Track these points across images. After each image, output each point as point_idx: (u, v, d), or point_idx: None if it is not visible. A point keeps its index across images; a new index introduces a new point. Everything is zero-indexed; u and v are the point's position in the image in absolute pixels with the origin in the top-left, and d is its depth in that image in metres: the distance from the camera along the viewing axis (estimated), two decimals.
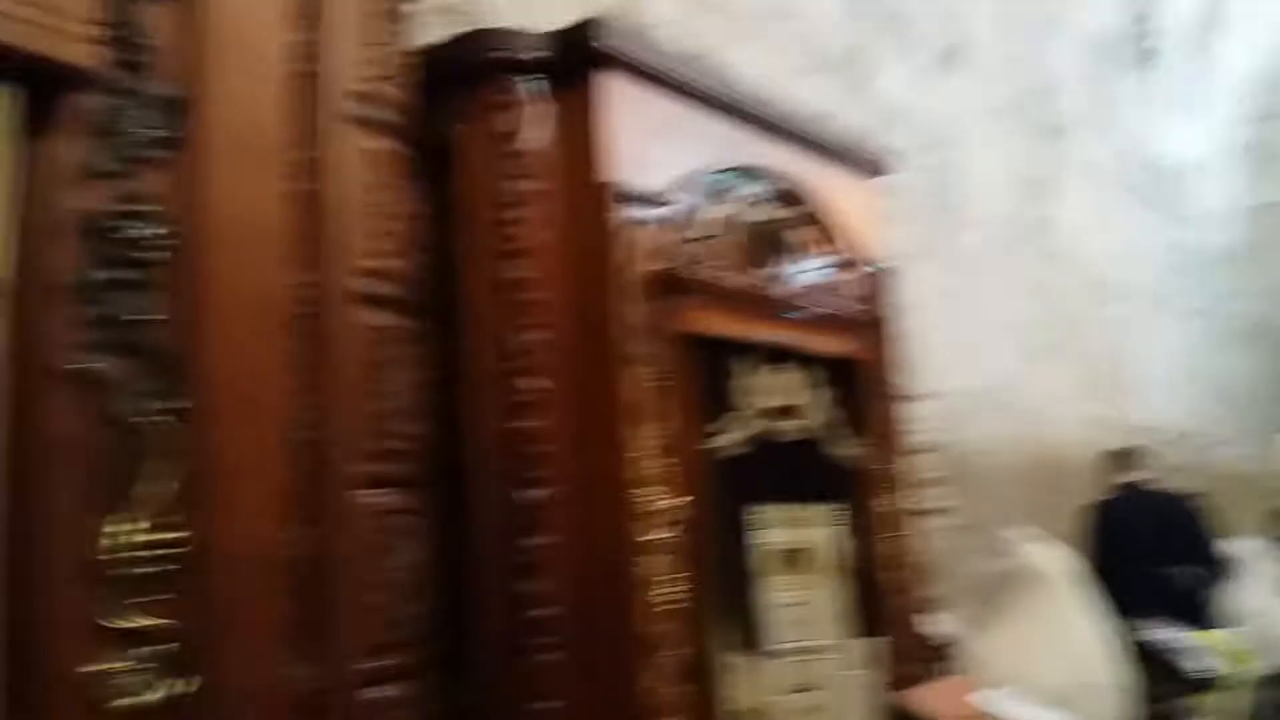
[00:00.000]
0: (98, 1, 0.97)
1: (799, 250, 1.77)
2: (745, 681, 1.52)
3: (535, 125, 1.48)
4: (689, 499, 1.46)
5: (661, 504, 1.42)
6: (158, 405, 0.98)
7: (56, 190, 0.94)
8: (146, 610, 0.95)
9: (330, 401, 1.14)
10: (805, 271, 1.78)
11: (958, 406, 3.04)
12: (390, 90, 1.25)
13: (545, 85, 1.49)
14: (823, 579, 1.70)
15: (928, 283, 2.69)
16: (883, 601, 1.78)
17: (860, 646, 1.73)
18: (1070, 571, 3.04)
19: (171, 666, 0.96)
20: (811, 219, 1.81)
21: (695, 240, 1.56)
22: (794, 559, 1.65)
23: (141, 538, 0.95)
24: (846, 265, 1.88)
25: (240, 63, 1.09)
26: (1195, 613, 3.40)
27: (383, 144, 1.23)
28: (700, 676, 1.45)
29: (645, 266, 1.47)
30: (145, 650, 0.95)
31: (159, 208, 1.00)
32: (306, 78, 1.15)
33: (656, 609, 1.39)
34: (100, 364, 0.95)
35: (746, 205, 1.69)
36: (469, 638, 1.38)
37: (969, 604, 2.61)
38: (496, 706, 1.37)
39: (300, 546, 1.08)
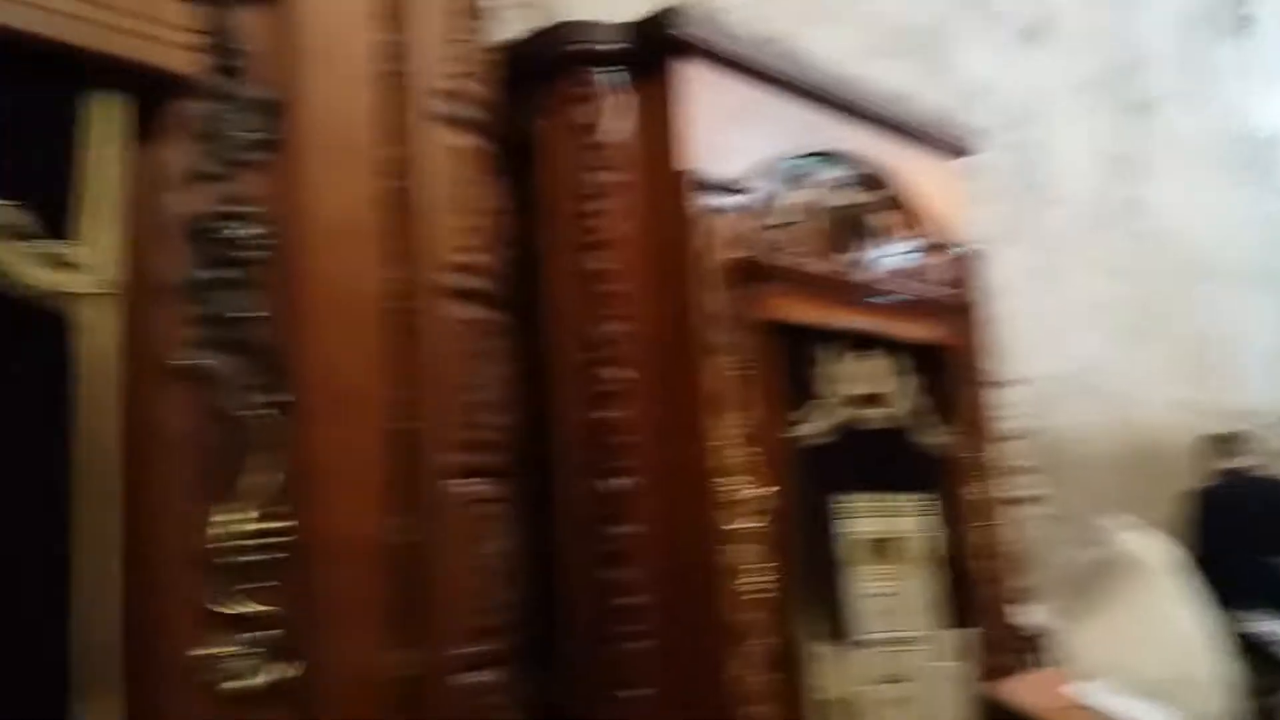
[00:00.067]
0: (197, 11, 1.00)
1: (882, 234, 1.75)
2: (833, 671, 1.51)
3: (614, 117, 1.48)
4: (774, 489, 1.45)
5: (746, 493, 1.42)
6: (261, 399, 1.01)
7: (164, 194, 0.98)
8: (253, 597, 0.98)
9: (422, 394, 1.16)
10: (889, 256, 1.75)
11: (1047, 392, 2.96)
12: (474, 87, 1.26)
13: (624, 76, 1.49)
14: (912, 569, 1.67)
15: (1014, 265, 2.62)
16: (974, 592, 1.75)
17: (951, 637, 1.70)
18: (1169, 561, 2.94)
19: (277, 651, 0.99)
20: (894, 202, 1.78)
21: (776, 227, 1.55)
22: (883, 549, 1.63)
23: (249, 527, 0.99)
24: (931, 249, 1.84)
25: (331, 65, 1.12)
26: None
27: (468, 141, 1.24)
28: (788, 665, 1.44)
29: (725, 254, 1.46)
30: (252, 635, 0.98)
31: (259, 209, 1.03)
32: (394, 77, 1.17)
33: (743, 598, 1.39)
34: (207, 360, 0.98)
35: (827, 190, 1.67)
36: (557, 626, 1.39)
37: (1062, 594, 2.54)
38: (585, 693, 1.38)
39: (397, 535, 1.10)
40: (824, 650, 1.51)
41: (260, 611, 0.99)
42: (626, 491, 1.40)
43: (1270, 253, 4.72)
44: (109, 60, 0.95)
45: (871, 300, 1.68)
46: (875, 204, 1.74)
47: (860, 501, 1.62)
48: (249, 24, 1.06)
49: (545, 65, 1.49)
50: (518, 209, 1.44)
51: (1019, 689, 1.72)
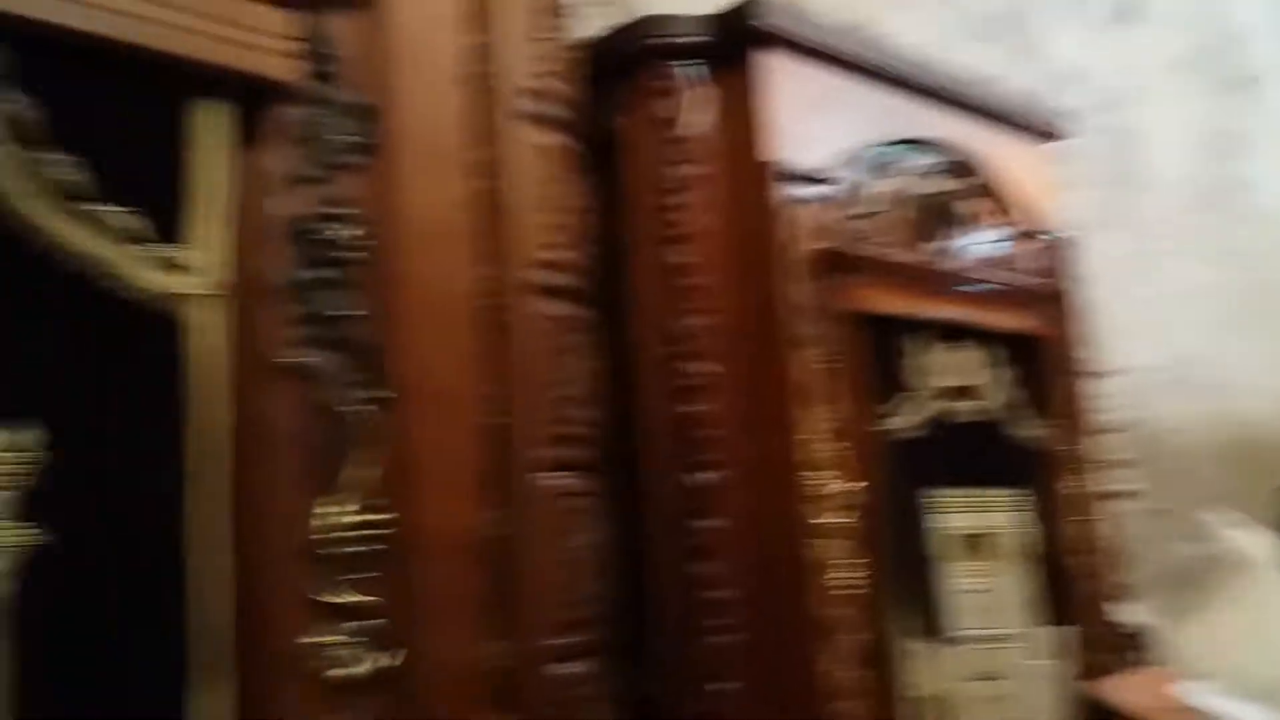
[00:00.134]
0: (293, 18, 1.03)
1: (971, 222, 1.71)
2: (926, 668, 1.48)
3: (695, 109, 1.48)
4: (864, 483, 1.43)
5: (834, 488, 1.41)
6: (361, 395, 1.04)
7: (266, 197, 1.01)
8: (356, 587, 1.01)
9: (513, 389, 1.18)
10: (978, 244, 1.71)
11: (1146, 382, 2.85)
12: (558, 86, 1.27)
13: (705, 69, 1.49)
14: (1007, 565, 1.64)
15: (1109, 251, 2.53)
16: (1071, 588, 1.70)
17: (1048, 635, 1.66)
18: (1275, 557, 2.81)
19: (379, 640, 1.02)
20: (984, 189, 1.74)
21: (861, 216, 1.53)
22: (976, 544, 1.60)
23: (350, 519, 1.02)
24: (1023, 236, 1.79)
25: (421, 69, 1.14)
26: None
27: (553, 139, 1.26)
28: (879, 662, 1.43)
29: (810, 245, 1.45)
30: (355, 625, 1.01)
31: (356, 210, 1.06)
32: (481, 79, 1.19)
33: (832, 593, 1.37)
34: (310, 358, 1.01)
35: (914, 178, 1.64)
36: (645, 620, 1.40)
37: (1164, 592, 2.45)
38: (673, 687, 1.38)
39: (490, 528, 1.12)
40: (916, 647, 1.48)
41: (362, 602, 1.01)
42: (713, 485, 1.40)
43: None
44: (214, 69, 0.99)
45: (961, 290, 1.65)
46: (964, 191, 1.70)
47: (952, 496, 1.58)
48: (343, 30, 1.09)
49: (625, 61, 1.50)
50: (602, 205, 1.45)
51: (1121, 689, 1.66)
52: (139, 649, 0.94)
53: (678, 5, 1.54)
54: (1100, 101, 3.09)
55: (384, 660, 1.02)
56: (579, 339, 1.29)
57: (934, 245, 1.64)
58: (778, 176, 1.44)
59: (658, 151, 1.48)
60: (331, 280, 1.04)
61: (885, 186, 1.58)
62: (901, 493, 1.53)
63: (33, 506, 0.90)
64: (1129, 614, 1.83)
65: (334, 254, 1.04)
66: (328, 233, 1.04)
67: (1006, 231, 1.77)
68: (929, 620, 1.52)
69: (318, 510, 1.01)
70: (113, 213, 0.95)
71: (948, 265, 1.65)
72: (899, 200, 1.60)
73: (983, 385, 1.68)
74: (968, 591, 1.56)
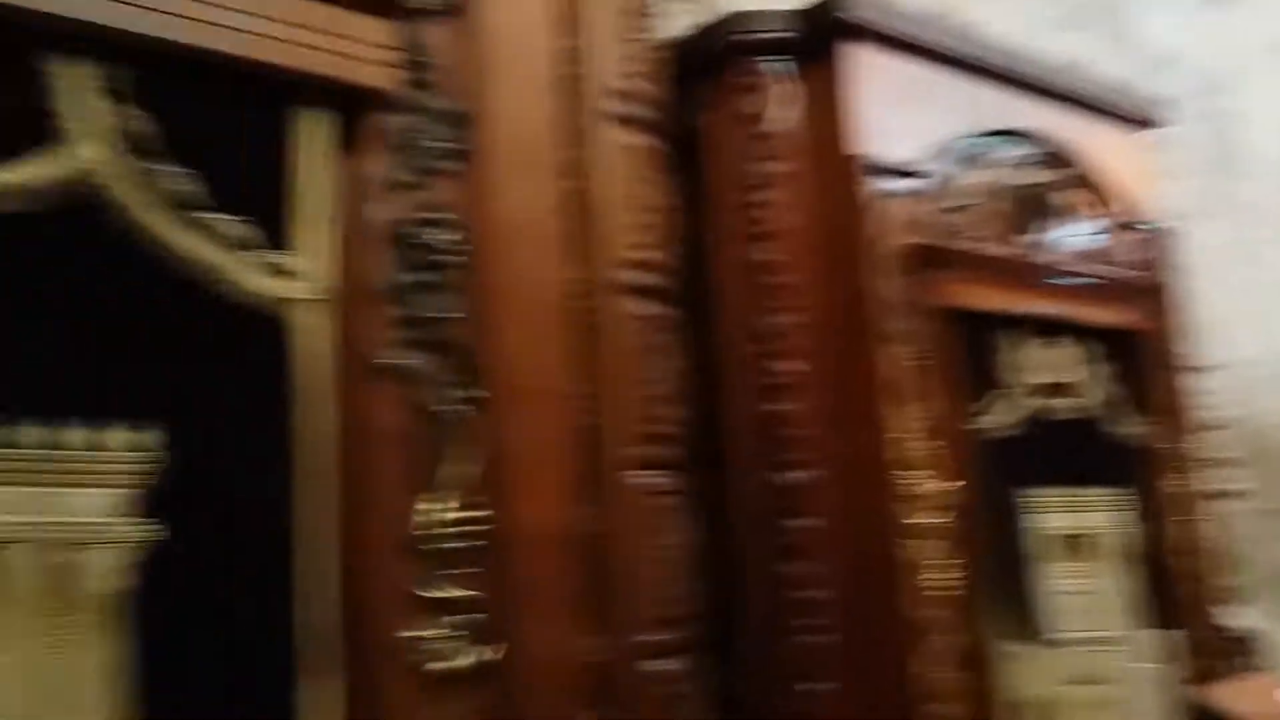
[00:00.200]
0: (391, 28, 1.06)
1: (1067, 214, 1.66)
2: (1025, 671, 1.45)
3: (781, 105, 1.47)
4: (959, 482, 1.40)
5: (927, 487, 1.38)
6: (458, 395, 1.06)
7: (367, 203, 1.04)
8: (456, 582, 1.03)
9: (603, 389, 1.19)
10: (1074, 237, 1.66)
11: (1250, 377, 2.74)
12: (645, 86, 1.28)
13: (791, 64, 1.48)
14: (1108, 566, 1.59)
15: (1209, 242, 2.43)
16: (1175, 591, 1.64)
17: (1152, 638, 1.60)
18: None
19: (479, 634, 1.03)
20: (1079, 180, 1.69)
21: (953, 210, 1.50)
22: (1075, 545, 1.56)
23: (450, 516, 1.04)
24: (1120, 227, 1.74)
25: (513, 74, 1.16)
26: None
27: (641, 139, 1.26)
28: (975, 663, 1.40)
29: (900, 240, 1.43)
30: (456, 619, 1.03)
31: (452, 215, 1.08)
32: (571, 81, 1.20)
33: (927, 593, 1.35)
34: (409, 359, 1.04)
35: (1007, 170, 1.60)
36: (735, 618, 1.40)
37: (1273, 594, 2.35)
38: (764, 686, 1.38)
39: (583, 525, 1.13)
40: (1014, 649, 1.45)
41: (463, 596, 1.03)
42: (802, 484, 1.39)
43: None
44: (316, 80, 1.02)
45: (1056, 284, 1.61)
46: (1058, 182, 1.66)
47: (1049, 496, 1.54)
48: (437, 38, 1.11)
49: (710, 59, 1.50)
50: (687, 204, 1.45)
51: (1230, 694, 1.60)
52: (250, 641, 0.97)
53: (763, 1, 1.53)
54: (1197, 86, 2.97)
55: (485, 654, 1.04)
56: (666, 338, 1.30)
57: (1028, 238, 1.60)
58: (865, 171, 1.42)
59: (742, 148, 1.47)
60: (429, 283, 1.06)
61: (977, 179, 1.55)
62: (996, 492, 1.49)
63: (153, 504, 0.94)
64: (1237, 617, 1.76)
65: (431, 258, 1.07)
66: (425, 237, 1.07)
67: (1103, 223, 1.72)
68: (1026, 622, 1.48)
69: (418, 507, 1.03)
70: (223, 221, 0.99)
71: (1042, 259, 1.61)
72: (992, 193, 1.56)
73: (1080, 382, 1.63)
74: (1067, 593, 1.52)
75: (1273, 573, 2.50)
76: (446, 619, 1.02)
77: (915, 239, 1.44)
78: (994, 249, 1.54)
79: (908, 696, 1.33)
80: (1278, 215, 3.19)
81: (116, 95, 0.95)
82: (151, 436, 0.94)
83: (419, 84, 1.08)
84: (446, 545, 1.03)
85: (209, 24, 0.97)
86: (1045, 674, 1.47)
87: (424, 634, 1.02)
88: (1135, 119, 1.86)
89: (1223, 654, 1.70)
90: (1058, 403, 1.59)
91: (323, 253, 1.02)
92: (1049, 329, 1.60)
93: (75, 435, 0.92)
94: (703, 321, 1.45)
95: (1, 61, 0.91)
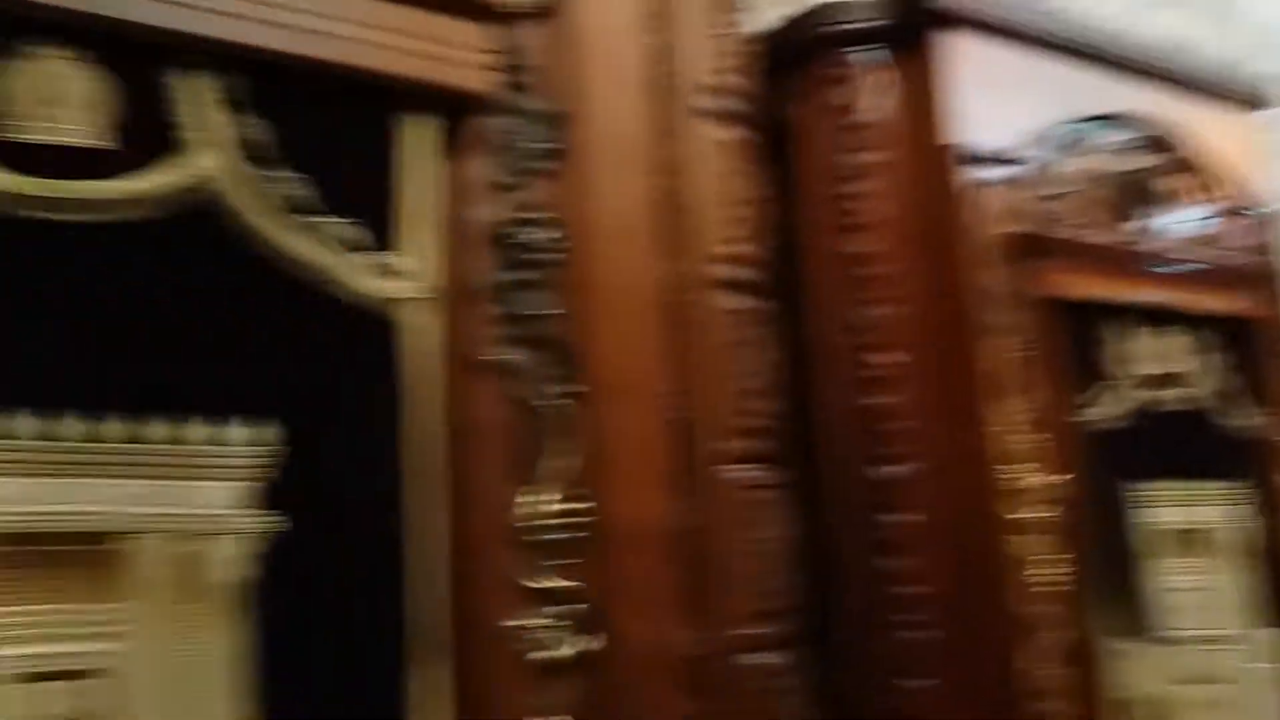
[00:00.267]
0: (489, 32, 1.08)
1: (1172, 199, 1.61)
2: (1135, 669, 1.41)
3: (873, 95, 1.46)
4: (1065, 476, 1.37)
5: (1032, 481, 1.35)
6: (557, 390, 1.07)
7: (469, 205, 1.07)
8: (559, 573, 1.05)
9: (697, 383, 1.20)
10: (1181, 222, 1.60)
11: None
12: (736, 80, 1.28)
13: (883, 53, 1.46)
14: (1223, 562, 1.53)
15: None
16: None
17: (1272, 637, 1.54)
18: None
19: (582, 625, 1.05)
20: (1184, 164, 1.64)
21: (1053, 197, 1.47)
22: (1189, 540, 1.50)
23: (552, 508, 1.05)
24: (1229, 212, 1.67)
25: (606, 72, 1.17)
26: None
27: (732, 133, 1.26)
28: (1083, 661, 1.36)
29: (999, 229, 1.40)
30: (558, 609, 1.05)
31: (551, 214, 1.10)
32: (663, 78, 1.21)
33: (1033, 589, 1.32)
34: (510, 355, 1.06)
35: (1109, 155, 1.55)
36: (832, 613, 1.39)
37: None
38: (864, 681, 1.37)
39: (680, 518, 1.14)
40: (1124, 646, 1.41)
41: (565, 587, 1.05)
42: (901, 479, 1.37)
43: None
44: (419, 85, 1.05)
45: (1163, 271, 1.55)
46: (1163, 167, 1.61)
47: (1160, 489, 1.49)
48: (532, 40, 1.13)
49: (800, 51, 1.49)
50: (779, 197, 1.44)
51: None
52: (362, 629, 1.01)
53: None
54: None
55: (587, 644, 1.05)
56: (760, 332, 1.29)
57: (1132, 225, 1.55)
58: (961, 159, 1.40)
59: (833, 139, 1.46)
60: (529, 281, 1.08)
61: (1078, 165, 1.51)
62: (1104, 486, 1.45)
63: (272, 497, 0.98)
64: None
65: (530, 256, 1.09)
66: (524, 236, 1.09)
67: (1211, 207, 1.66)
68: (1137, 619, 1.44)
69: (520, 500, 1.05)
70: (333, 223, 1.02)
71: (1148, 246, 1.56)
72: (1093, 179, 1.52)
73: (1190, 372, 1.57)
74: (1180, 589, 1.47)
75: None
76: (549, 609, 1.04)
77: (1014, 228, 1.41)
78: (1096, 236, 1.50)
79: (1012, 693, 1.30)
80: None
81: (234, 105, 0.99)
82: (269, 432, 0.98)
83: (516, 86, 1.10)
84: (549, 537, 1.05)
85: (319, 34, 1.00)
86: (1156, 672, 1.43)
87: (527, 623, 1.04)
88: (1241, 99, 1.78)
89: None
90: (1167, 394, 1.54)
91: (428, 253, 1.05)
92: (1158, 318, 1.55)
93: (198, 430, 0.97)
94: (796, 314, 1.44)
95: (125, 77, 0.96)
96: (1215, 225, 1.65)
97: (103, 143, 0.94)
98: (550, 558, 1.05)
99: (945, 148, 1.41)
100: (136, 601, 0.93)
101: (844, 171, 1.46)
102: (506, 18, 1.12)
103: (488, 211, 1.08)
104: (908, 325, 1.41)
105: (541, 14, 1.14)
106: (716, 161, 1.26)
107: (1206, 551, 1.52)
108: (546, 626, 1.04)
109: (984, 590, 1.32)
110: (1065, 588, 1.34)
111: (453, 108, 1.07)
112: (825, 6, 1.49)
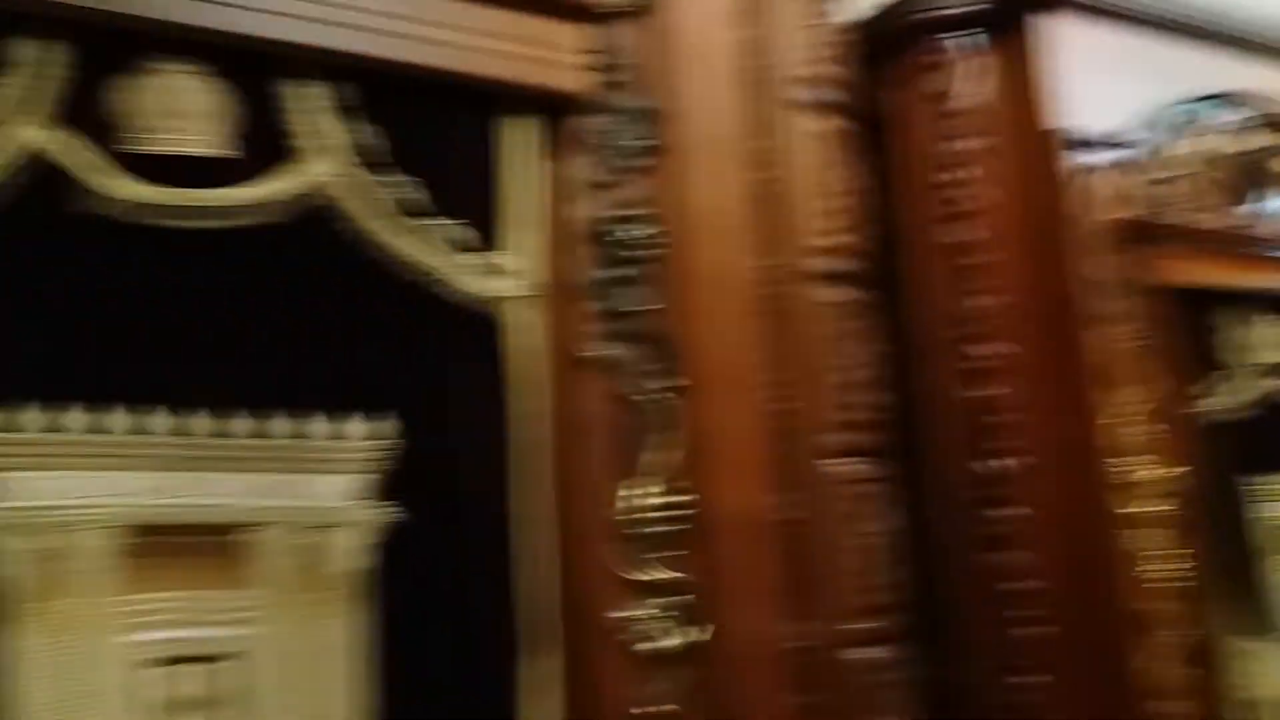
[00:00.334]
0: (585, 32, 1.10)
1: None
2: (1261, 669, 1.35)
3: (970, 81, 1.43)
4: (1182, 469, 1.32)
5: (1146, 474, 1.30)
6: (658, 384, 1.08)
7: (569, 203, 1.08)
8: (664, 565, 1.06)
9: (797, 376, 1.19)
10: None
11: None
12: (830, 70, 1.27)
13: (981, 38, 1.43)
14: None
15: None
16: None
17: None
18: None
19: (688, 616, 1.06)
20: None
21: (1164, 181, 1.41)
22: None
23: (655, 500, 1.06)
24: None
25: (701, 68, 1.18)
26: None
27: (828, 124, 1.26)
28: (1205, 660, 1.31)
29: (1107, 215, 1.36)
30: (664, 600, 1.06)
31: (648, 210, 1.11)
32: (756, 71, 1.21)
33: (1149, 586, 1.27)
34: (612, 350, 1.07)
35: (1223, 136, 1.49)
36: (941, 608, 1.36)
37: None
38: (974, 676, 1.34)
39: (783, 511, 1.14)
40: (1249, 646, 1.35)
41: (669, 579, 1.06)
42: (1010, 473, 1.34)
43: None
44: (520, 88, 1.07)
45: None
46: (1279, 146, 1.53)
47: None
48: (627, 39, 1.14)
49: (895, 38, 1.46)
50: (878, 187, 1.42)
51: None
52: (476, 618, 1.03)
53: None
54: None
55: (693, 635, 1.06)
56: (861, 323, 1.28)
57: (1248, 208, 1.49)
58: (1066, 144, 1.36)
59: (931, 127, 1.43)
60: (628, 277, 1.10)
61: (1190, 147, 1.45)
62: (1221, 479, 1.39)
63: (388, 489, 1.01)
64: None
65: (629, 253, 1.10)
66: (623, 233, 1.10)
67: None
68: (1260, 617, 1.37)
69: (623, 492, 1.07)
70: (441, 225, 1.05)
71: (1264, 229, 1.49)
72: (1207, 161, 1.46)
73: None
74: None
75: None
76: (654, 600, 1.05)
77: (1124, 214, 1.36)
78: (1210, 221, 1.44)
79: (1128, 691, 1.26)
80: None
81: (345, 112, 1.02)
82: (386, 427, 1.01)
83: (613, 85, 1.12)
84: (652, 529, 1.06)
85: (423, 41, 1.03)
86: None
87: (634, 614, 1.05)
88: None
89: None
90: None
91: (531, 252, 1.08)
92: (1276, 304, 1.48)
93: (319, 426, 1.00)
94: (897, 306, 1.42)
95: (243, 89, 1.00)
96: None
97: (224, 152, 0.98)
98: (654, 550, 1.06)
99: (1049, 132, 1.37)
100: (262, 590, 0.97)
101: (944, 159, 1.43)
102: (601, 18, 1.13)
103: (587, 209, 1.09)
104: (1013, 316, 1.37)
105: (635, 13, 1.15)
106: (813, 153, 1.25)
107: None
108: (653, 618, 1.05)
109: (1096, 586, 1.28)
110: (1184, 584, 1.29)
111: (552, 108, 1.09)
112: None
